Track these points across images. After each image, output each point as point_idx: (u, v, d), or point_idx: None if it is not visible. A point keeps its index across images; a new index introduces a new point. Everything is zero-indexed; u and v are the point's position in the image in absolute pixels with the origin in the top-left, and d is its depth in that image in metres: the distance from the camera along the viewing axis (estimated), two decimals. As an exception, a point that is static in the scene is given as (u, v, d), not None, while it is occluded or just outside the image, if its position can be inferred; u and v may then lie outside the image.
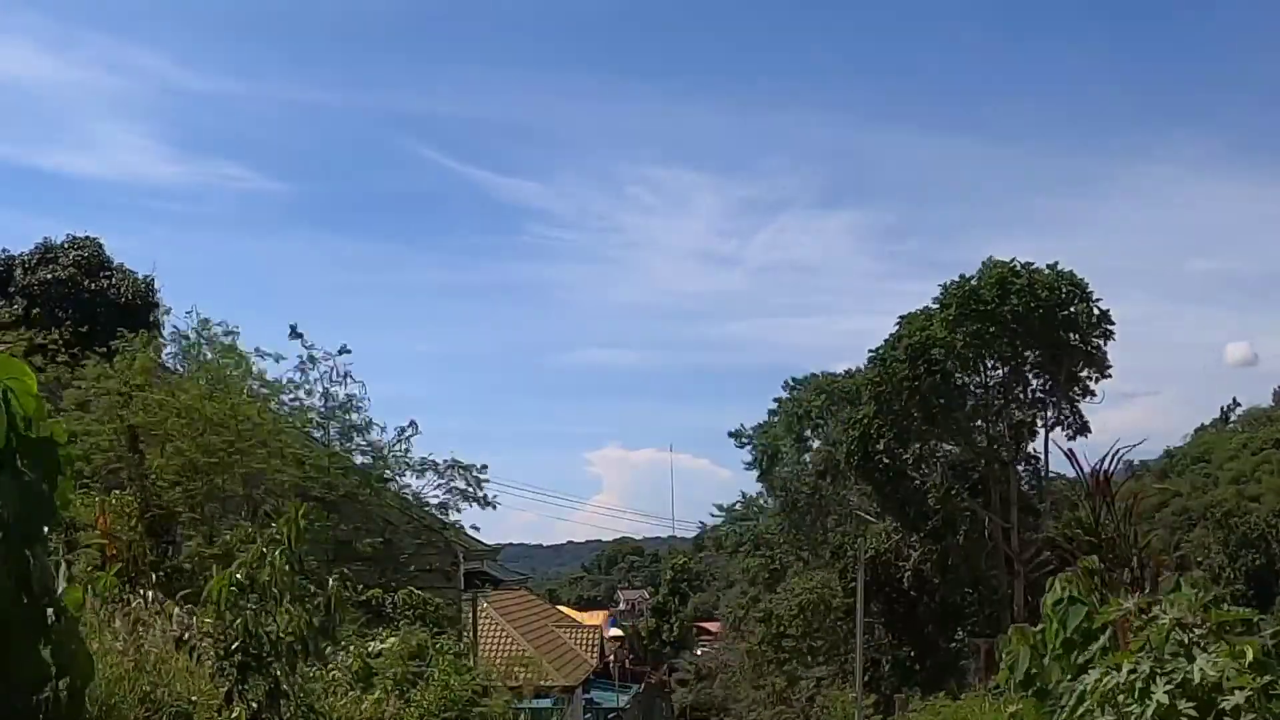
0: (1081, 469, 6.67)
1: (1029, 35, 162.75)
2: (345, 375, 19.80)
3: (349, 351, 19.69)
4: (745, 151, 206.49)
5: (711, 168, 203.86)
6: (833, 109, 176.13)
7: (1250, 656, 4.58)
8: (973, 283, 48.16)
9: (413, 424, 21.21)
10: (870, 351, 50.15)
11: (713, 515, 68.53)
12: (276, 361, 19.65)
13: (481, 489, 21.47)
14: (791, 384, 56.82)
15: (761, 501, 61.36)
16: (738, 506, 64.22)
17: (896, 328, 49.27)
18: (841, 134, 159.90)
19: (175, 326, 21.22)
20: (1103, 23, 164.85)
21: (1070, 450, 6.71)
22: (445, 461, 21.41)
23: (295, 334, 19.45)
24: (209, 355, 19.62)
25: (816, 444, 55.84)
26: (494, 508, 22.08)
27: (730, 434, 57.93)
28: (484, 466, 21.72)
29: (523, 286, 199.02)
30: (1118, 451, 6.60)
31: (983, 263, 48.97)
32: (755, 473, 57.72)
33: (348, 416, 20.29)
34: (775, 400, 57.04)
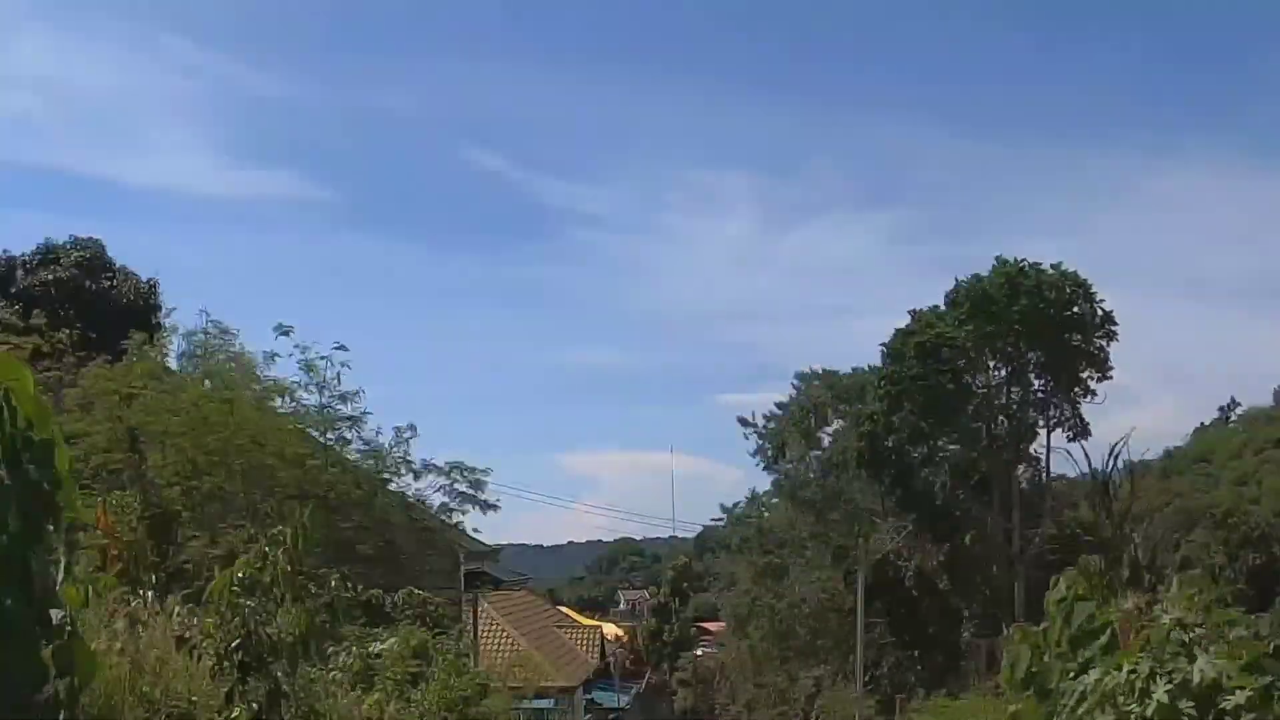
0: (1093, 470, 6.68)
1: (1048, 37, 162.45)
2: (340, 371, 19.72)
3: (344, 349, 19.60)
4: (777, 154, 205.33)
5: (746, 169, 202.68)
6: (864, 111, 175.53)
7: (1250, 656, 4.58)
8: (983, 282, 48.20)
9: (411, 426, 21.22)
10: (881, 345, 50.12)
11: (714, 520, 68.49)
12: (274, 359, 19.59)
13: (483, 492, 21.50)
14: (801, 375, 56.81)
15: (766, 499, 61.29)
16: (741, 505, 64.18)
17: (906, 324, 49.28)
18: (872, 136, 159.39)
19: (181, 327, 21.21)
20: (1120, 25, 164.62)
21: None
22: (448, 464, 21.43)
23: (285, 332, 19.32)
24: (212, 357, 19.63)
25: (824, 439, 55.82)
26: (496, 509, 22.11)
27: (739, 420, 57.77)
28: (486, 469, 21.75)
29: (553, 287, 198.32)
30: (1115, 453, 6.61)
31: (995, 259, 49.03)
32: (760, 464, 57.67)
33: (341, 408, 20.22)
34: (791, 386, 56.94)
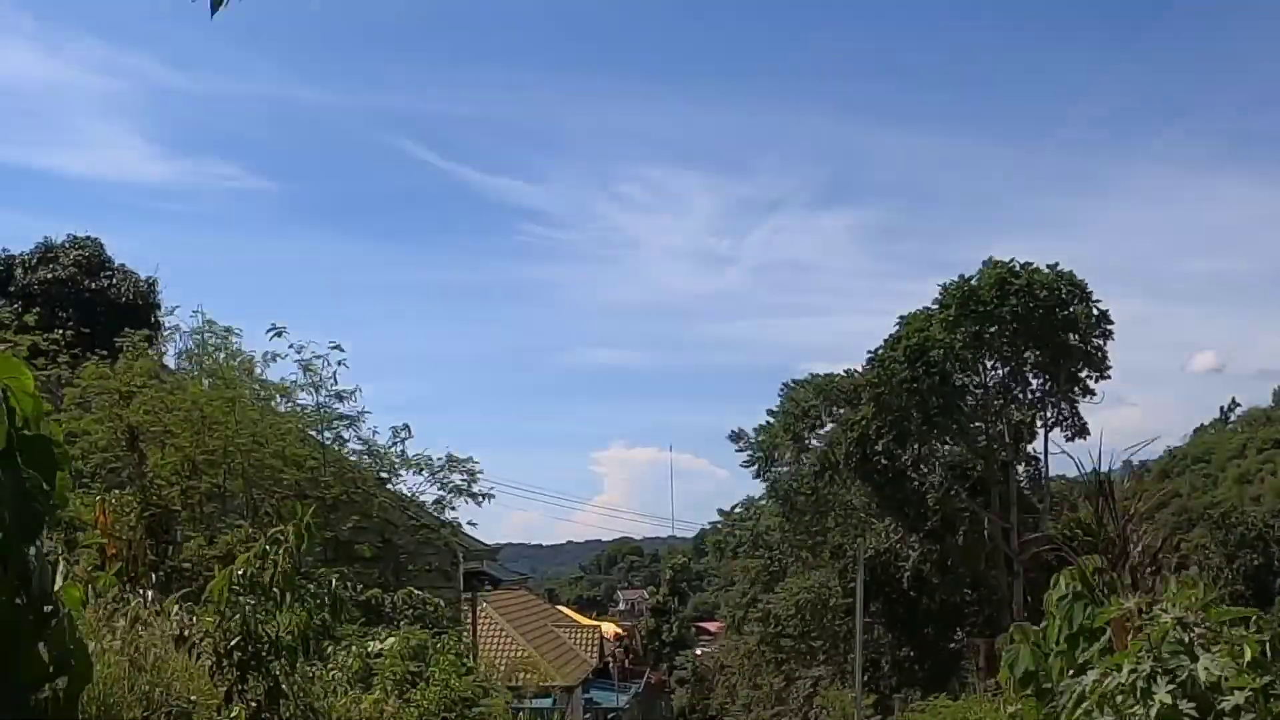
0: (1083, 470, 6.69)
1: (1027, 34, 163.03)
2: (336, 369, 19.69)
3: (340, 349, 19.55)
4: (741, 150, 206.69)
5: (707, 167, 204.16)
6: (829, 108, 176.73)
7: (1250, 656, 4.58)
8: (972, 283, 48.18)
9: (406, 427, 21.20)
10: (869, 353, 50.20)
11: (712, 523, 68.66)
12: (274, 360, 19.58)
13: (476, 482, 21.50)
14: (790, 385, 56.87)
15: (761, 503, 61.39)
16: (738, 510, 64.28)
17: (896, 329, 49.29)
18: (839, 133, 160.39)
19: (176, 326, 21.23)
20: (1101, 22, 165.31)
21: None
22: (440, 459, 21.43)
23: (277, 333, 19.24)
24: (211, 356, 19.63)
25: (815, 444, 55.84)
26: (491, 498, 22.10)
27: (729, 436, 57.97)
28: (476, 461, 21.73)
29: (518, 286, 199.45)
30: (1128, 448, 6.61)
31: (983, 263, 49.01)
32: (754, 473, 57.80)
33: (337, 406, 20.20)
34: (777, 397, 57.04)
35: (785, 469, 55.98)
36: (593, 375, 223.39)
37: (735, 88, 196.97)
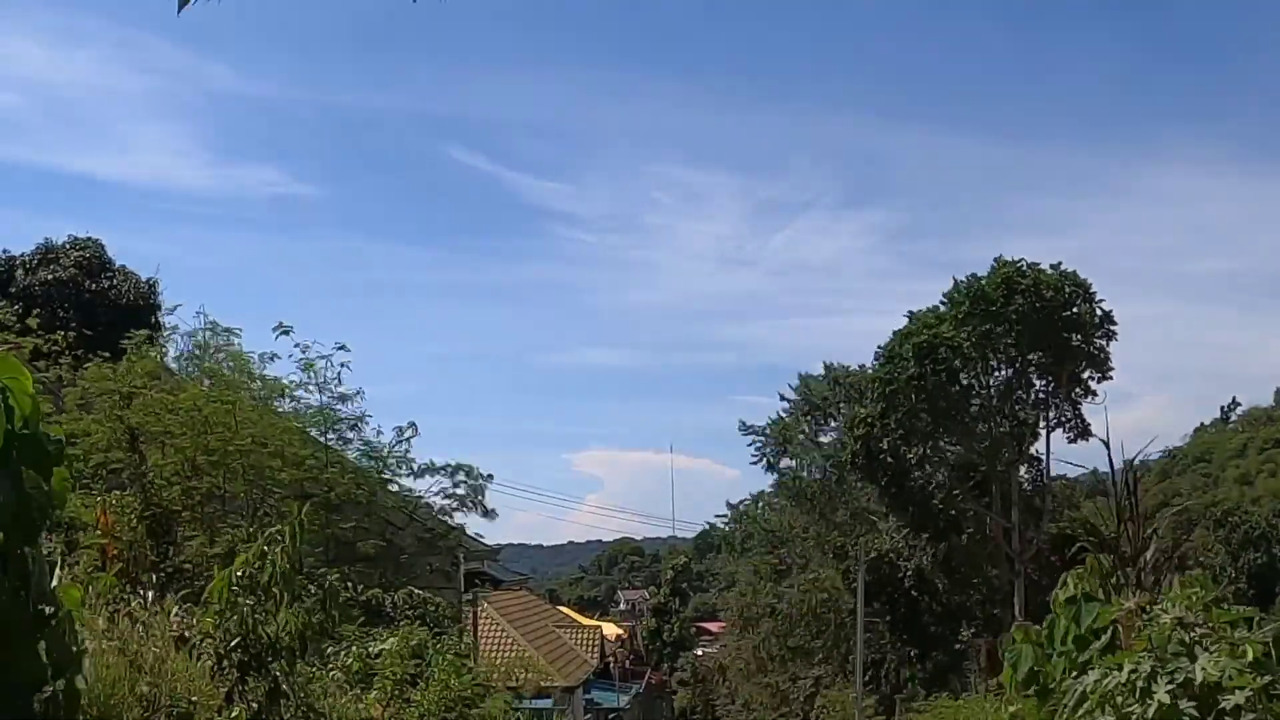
0: (1112, 468, 6.69)
1: (1036, 35, 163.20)
2: (340, 371, 19.67)
3: (346, 349, 19.51)
4: (763, 153, 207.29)
5: (731, 169, 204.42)
6: (848, 110, 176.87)
7: (1251, 656, 4.57)
8: (981, 282, 48.16)
9: (412, 425, 21.15)
10: (878, 348, 50.18)
11: (719, 516, 68.48)
12: (272, 360, 19.55)
13: (484, 496, 21.45)
14: (805, 376, 56.90)
15: (769, 497, 61.30)
16: (745, 503, 64.17)
17: (905, 324, 49.26)
18: (856, 135, 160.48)
19: (180, 327, 21.22)
20: (1109, 23, 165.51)
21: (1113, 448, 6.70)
22: (449, 466, 21.37)
23: (285, 331, 19.17)
24: (214, 357, 19.64)
25: (827, 438, 55.93)
26: (494, 516, 22.07)
27: (740, 424, 57.87)
28: (489, 475, 21.67)
29: (541, 287, 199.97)
30: (1140, 453, 6.61)
31: (994, 260, 49.02)
32: (761, 466, 57.75)
33: (340, 407, 20.20)
34: (791, 388, 56.99)
35: (795, 461, 56.06)
36: (596, 375, 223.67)
37: (758, 90, 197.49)
